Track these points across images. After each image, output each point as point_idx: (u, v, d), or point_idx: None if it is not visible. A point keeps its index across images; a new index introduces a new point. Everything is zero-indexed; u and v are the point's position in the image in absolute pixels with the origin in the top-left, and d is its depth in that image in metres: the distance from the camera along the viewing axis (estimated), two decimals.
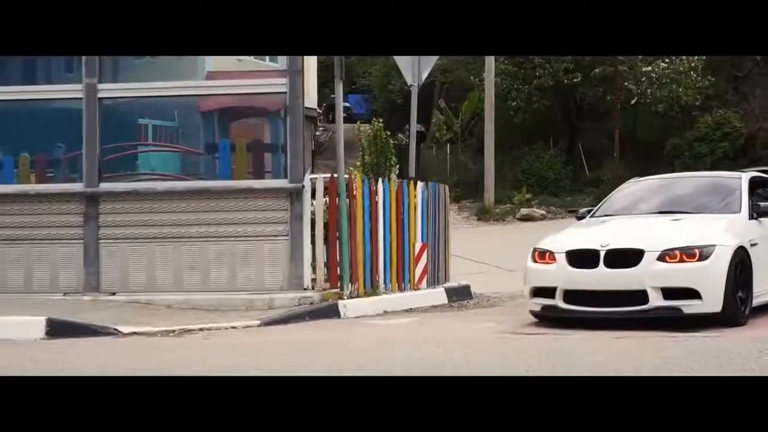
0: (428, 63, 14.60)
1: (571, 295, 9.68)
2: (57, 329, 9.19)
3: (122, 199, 11.61)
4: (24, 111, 12.13)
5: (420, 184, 13.04)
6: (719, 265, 9.39)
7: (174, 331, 9.45)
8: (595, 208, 11.50)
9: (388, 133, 17.08)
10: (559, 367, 6.83)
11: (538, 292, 9.98)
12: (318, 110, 37.59)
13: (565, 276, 9.73)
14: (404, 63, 14.47)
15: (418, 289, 12.57)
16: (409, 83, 14.73)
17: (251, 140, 12.30)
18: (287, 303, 10.93)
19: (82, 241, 11.53)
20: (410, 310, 11.61)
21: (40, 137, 12.27)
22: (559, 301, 9.75)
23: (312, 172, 12.50)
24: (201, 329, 9.61)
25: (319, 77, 34.37)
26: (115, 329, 9.36)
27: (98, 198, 11.58)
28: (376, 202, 12.25)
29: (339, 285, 11.64)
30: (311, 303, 11.03)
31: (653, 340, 8.30)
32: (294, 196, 11.44)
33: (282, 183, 11.54)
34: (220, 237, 11.48)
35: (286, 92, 11.57)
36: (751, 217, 10.40)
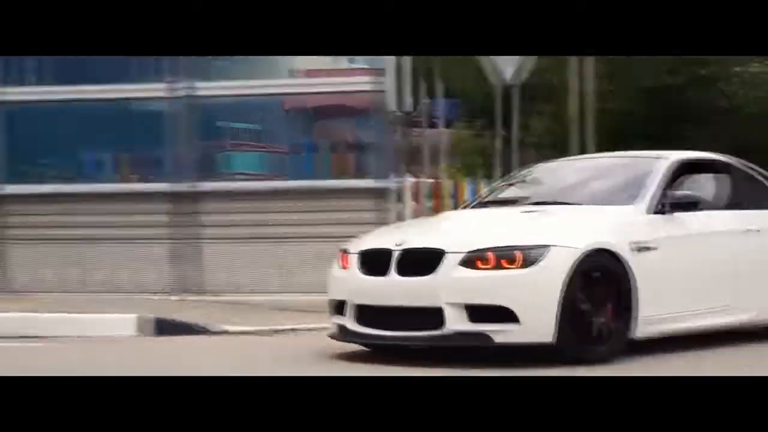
0: (518, 63, 14.89)
1: (363, 313, 7.55)
2: (149, 327, 9.75)
3: (211, 198, 12.13)
4: (115, 110, 12.79)
5: None
6: (551, 274, 7.00)
7: (266, 330, 9.89)
8: (476, 197, 9.75)
9: (477, 135, 17.47)
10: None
11: (337, 307, 7.82)
12: (408, 112, 37.95)
13: (355, 285, 7.61)
14: (493, 63, 14.78)
15: None
16: (498, 84, 15.06)
17: (338, 140, 12.77)
18: None
19: (170, 240, 12.10)
20: None
21: (130, 136, 12.88)
22: (349, 321, 7.61)
23: (401, 174, 12.96)
24: (293, 329, 10.01)
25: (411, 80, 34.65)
26: (206, 328, 9.86)
27: (187, 197, 12.15)
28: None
29: None
30: None
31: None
32: (381, 196, 11.83)
33: (369, 183, 11.94)
34: (307, 238, 11.90)
35: (374, 91, 11.98)
36: (655, 211, 7.87)
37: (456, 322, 7.03)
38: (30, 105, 12.58)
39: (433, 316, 7.08)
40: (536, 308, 6.98)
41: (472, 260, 7.07)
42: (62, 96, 12.45)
